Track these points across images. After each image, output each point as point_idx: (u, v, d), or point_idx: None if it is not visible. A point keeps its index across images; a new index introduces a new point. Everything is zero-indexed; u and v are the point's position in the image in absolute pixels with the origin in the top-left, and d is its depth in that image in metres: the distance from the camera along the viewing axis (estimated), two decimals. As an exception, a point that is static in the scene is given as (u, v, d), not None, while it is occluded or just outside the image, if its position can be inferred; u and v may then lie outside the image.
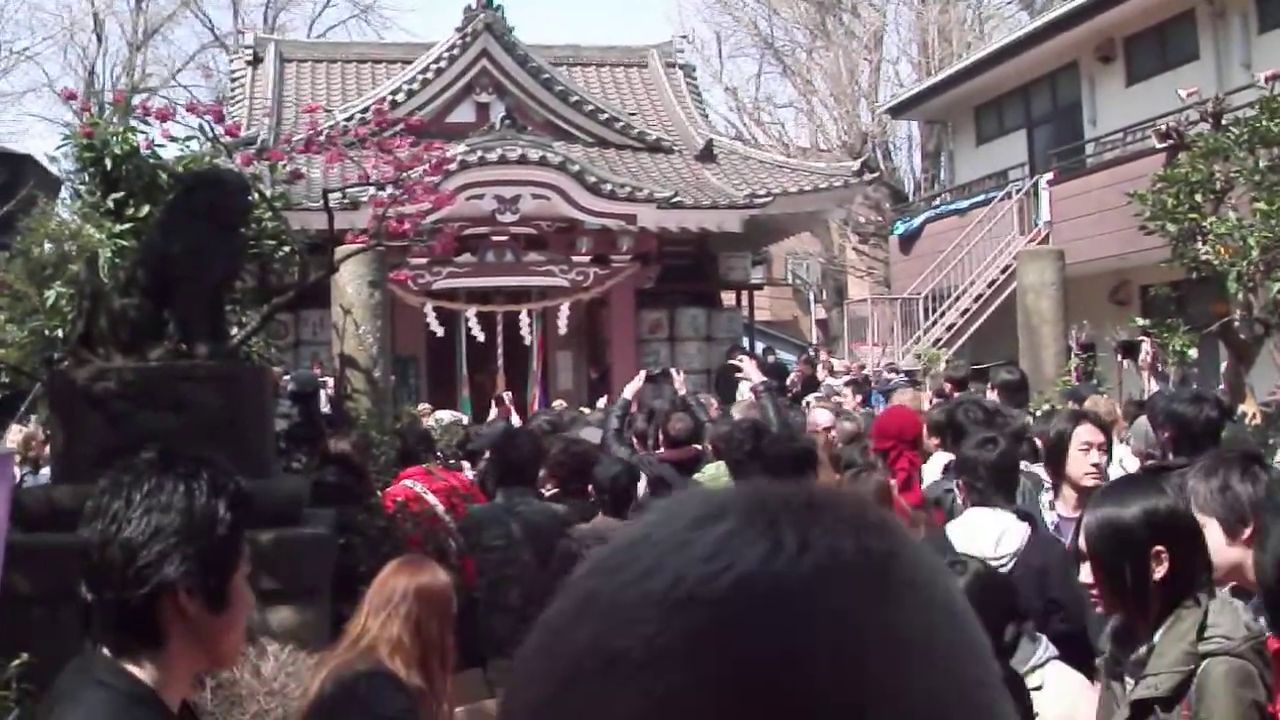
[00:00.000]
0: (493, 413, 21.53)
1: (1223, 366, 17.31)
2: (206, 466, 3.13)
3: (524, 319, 29.45)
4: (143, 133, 12.50)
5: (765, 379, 12.34)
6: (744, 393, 25.96)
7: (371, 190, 14.61)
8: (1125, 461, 9.78)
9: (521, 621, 9.11)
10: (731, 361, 19.85)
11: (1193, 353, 15.40)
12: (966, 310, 31.12)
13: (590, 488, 9.78)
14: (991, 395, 14.45)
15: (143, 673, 2.99)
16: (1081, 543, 4.66)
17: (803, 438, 9.43)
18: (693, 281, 32.53)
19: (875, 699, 0.91)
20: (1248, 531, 4.62)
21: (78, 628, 3.31)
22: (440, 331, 29.19)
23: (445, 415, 18.74)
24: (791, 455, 8.79)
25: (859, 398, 21.86)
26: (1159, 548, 4.47)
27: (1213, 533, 4.67)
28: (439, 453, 12.70)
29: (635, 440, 12.73)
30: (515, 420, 18.39)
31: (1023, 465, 8.56)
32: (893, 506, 7.16)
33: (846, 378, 24.47)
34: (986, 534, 6.99)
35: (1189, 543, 4.57)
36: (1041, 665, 5.40)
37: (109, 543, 2.98)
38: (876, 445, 9.63)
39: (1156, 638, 4.41)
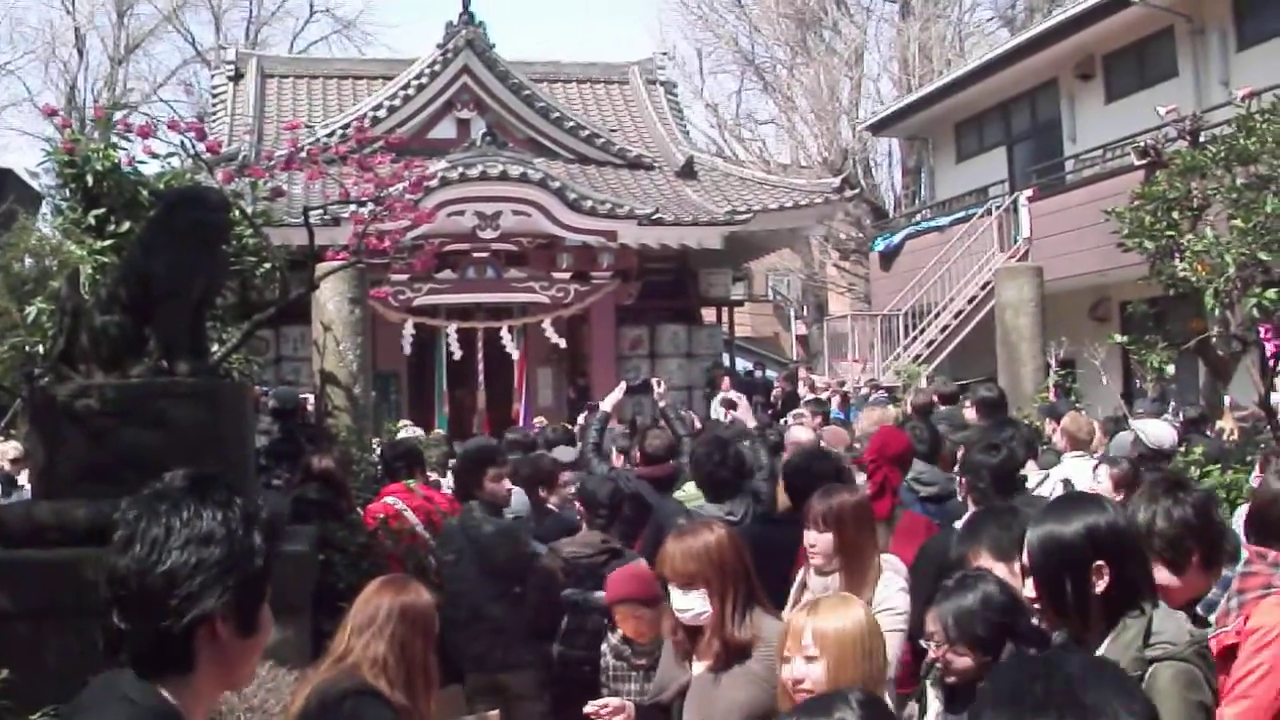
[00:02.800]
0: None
1: (1201, 383, 17.38)
2: (237, 494, 3.16)
3: (505, 335, 29.43)
4: (124, 149, 12.49)
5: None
6: (716, 409, 26.11)
7: (352, 207, 14.61)
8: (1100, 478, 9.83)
9: (477, 636, 9.16)
10: (725, 395, 19.72)
11: (1170, 369, 15.45)
12: (946, 326, 31.16)
13: (579, 503, 9.81)
14: (970, 412, 14.53)
15: (173, 689, 3.02)
16: (1024, 558, 4.73)
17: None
18: (673, 298, 32.59)
19: None
20: None
21: (59, 645, 3.35)
22: (418, 349, 29.14)
23: (420, 433, 18.74)
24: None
25: (818, 419, 21.92)
26: (1100, 562, 4.55)
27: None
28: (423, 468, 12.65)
29: (616, 455, 12.75)
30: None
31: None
32: (872, 515, 7.27)
33: (826, 394, 24.52)
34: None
35: (1130, 557, 4.68)
36: None
37: (148, 572, 2.99)
38: (865, 456, 9.75)
39: (1103, 648, 4.49)
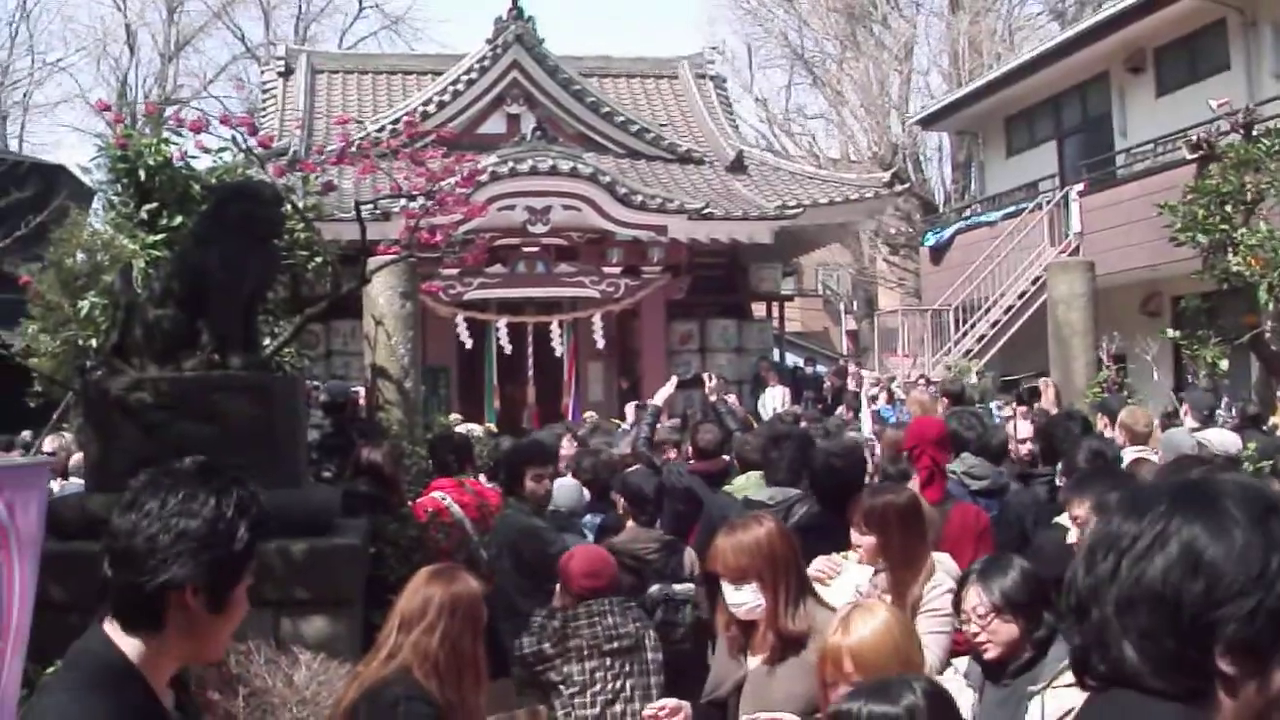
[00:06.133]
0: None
1: (1253, 378, 17.29)
2: (238, 486, 3.50)
3: (555, 330, 29.46)
4: (176, 144, 12.57)
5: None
6: (765, 405, 26.06)
7: (403, 202, 14.63)
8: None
9: (515, 630, 9.18)
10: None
11: (1224, 364, 15.38)
12: (997, 321, 31.06)
13: (621, 499, 9.81)
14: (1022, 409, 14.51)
15: (136, 646, 3.38)
16: None
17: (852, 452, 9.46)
18: (723, 293, 32.52)
19: None
20: None
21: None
22: (470, 343, 29.18)
23: (475, 429, 18.76)
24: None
25: (851, 414, 22.05)
26: None
27: None
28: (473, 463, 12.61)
29: (669, 449, 12.75)
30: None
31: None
32: (922, 515, 7.20)
33: (875, 390, 24.47)
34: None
35: None
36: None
37: (136, 533, 3.36)
38: (904, 446, 9.71)
39: None
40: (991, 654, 5.65)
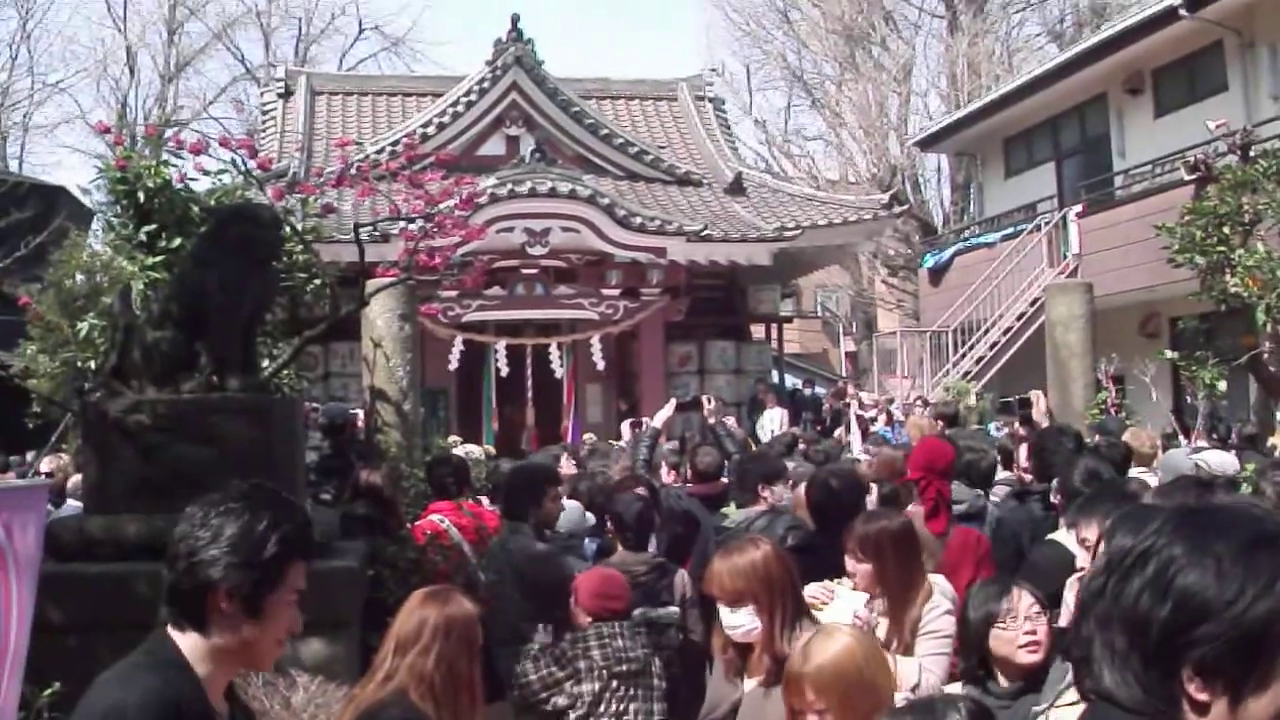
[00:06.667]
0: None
1: (1252, 399, 17.29)
2: (276, 504, 3.92)
3: (554, 352, 29.41)
4: (175, 166, 12.58)
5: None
6: (764, 427, 26.02)
7: (402, 224, 14.64)
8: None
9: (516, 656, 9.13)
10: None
11: (1222, 385, 15.37)
12: (995, 343, 31.06)
13: (609, 522, 9.80)
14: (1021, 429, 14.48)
15: (189, 645, 3.77)
16: None
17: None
18: (722, 314, 32.51)
19: None
20: None
21: (110, 658, 3.82)
22: (455, 366, 29.06)
23: (474, 451, 18.74)
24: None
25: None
26: None
27: None
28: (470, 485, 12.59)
29: (668, 471, 12.74)
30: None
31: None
32: (916, 541, 7.16)
33: (873, 411, 24.47)
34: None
35: None
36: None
37: (183, 540, 3.80)
38: (910, 475, 9.67)
39: None
40: (1040, 655, 5.65)
